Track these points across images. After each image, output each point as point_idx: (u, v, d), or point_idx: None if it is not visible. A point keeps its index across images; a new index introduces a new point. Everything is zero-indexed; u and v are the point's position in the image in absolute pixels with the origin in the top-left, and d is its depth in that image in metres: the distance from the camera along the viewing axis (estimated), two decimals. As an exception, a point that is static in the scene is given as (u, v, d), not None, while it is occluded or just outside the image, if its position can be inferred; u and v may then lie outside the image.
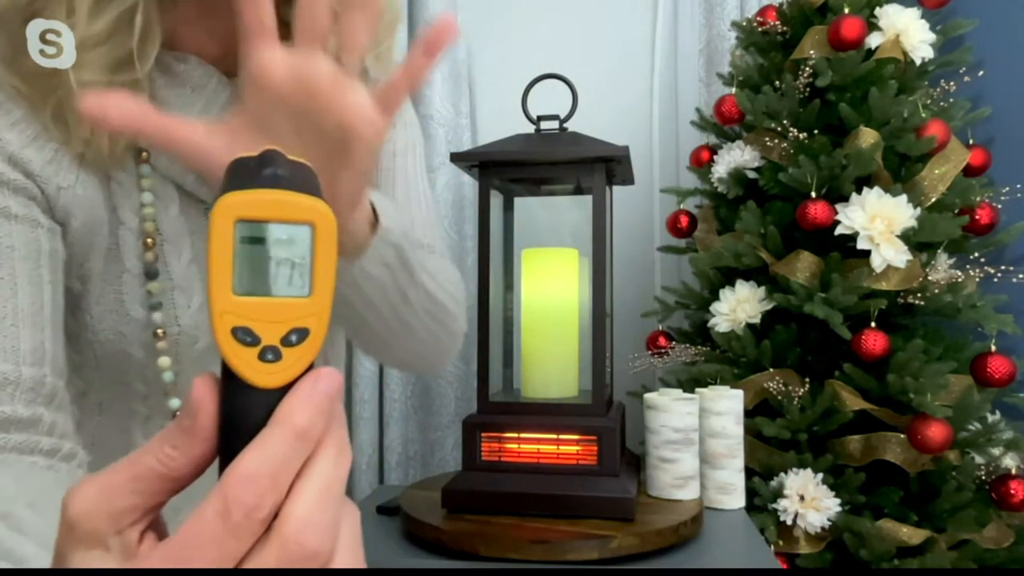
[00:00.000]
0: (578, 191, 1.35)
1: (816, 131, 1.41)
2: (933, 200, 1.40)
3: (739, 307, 1.40)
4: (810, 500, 1.27)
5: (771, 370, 1.36)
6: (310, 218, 0.31)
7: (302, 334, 0.31)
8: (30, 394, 0.51)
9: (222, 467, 0.30)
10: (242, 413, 0.30)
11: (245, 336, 0.30)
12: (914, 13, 1.45)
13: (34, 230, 0.54)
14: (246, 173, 0.30)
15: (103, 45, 0.52)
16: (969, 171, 1.47)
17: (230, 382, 0.31)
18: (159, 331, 0.58)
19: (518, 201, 1.42)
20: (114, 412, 0.61)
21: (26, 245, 0.53)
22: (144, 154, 0.58)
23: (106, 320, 0.58)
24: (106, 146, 0.55)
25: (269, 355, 0.31)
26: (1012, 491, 1.26)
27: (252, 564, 0.28)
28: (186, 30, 0.60)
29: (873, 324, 1.29)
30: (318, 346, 0.32)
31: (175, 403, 0.61)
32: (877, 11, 1.45)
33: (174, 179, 0.60)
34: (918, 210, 1.33)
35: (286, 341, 0.31)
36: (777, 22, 1.53)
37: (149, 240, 0.57)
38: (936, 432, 1.21)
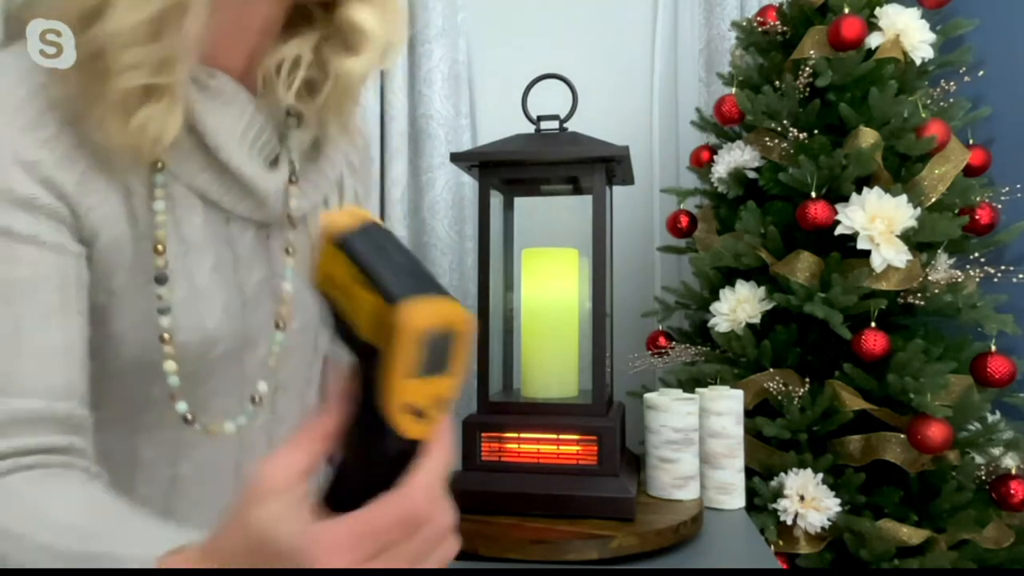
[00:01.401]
0: (578, 191, 1.35)
1: (816, 131, 1.41)
2: (933, 200, 1.40)
3: (739, 307, 1.40)
4: (810, 500, 1.27)
5: (771, 370, 1.36)
6: (464, 321, 0.39)
7: (447, 402, 0.41)
8: (63, 426, 0.54)
9: (355, 485, 0.41)
10: (388, 450, 0.40)
11: (412, 406, 0.39)
12: (914, 13, 1.45)
13: (64, 258, 0.55)
14: (425, 280, 0.39)
15: (146, 44, 0.53)
16: (969, 171, 1.46)
17: (383, 426, 0.39)
18: (165, 335, 0.59)
19: (518, 201, 1.42)
20: (121, 427, 0.62)
21: (57, 275, 0.55)
22: (159, 164, 0.59)
23: (132, 332, 0.59)
24: (147, 151, 0.56)
25: (422, 416, 0.39)
26: (1012, 491, 1.26)
27: (398, 551, 0.40)
28: (216, 45, 0.61)
29: (873, 324, 1.29)
30: (450, 408, 0.42)
31: (182, 407, 0.61)
32: (877, 11, 1.45)
33: (198, 190, 0.61)
34: (918, 210, 1.33)
35: (436, 407, 0.40)
36: (777, 22, 1.53)
37: (159, 247, 0.59)
38: (936, 432, 1.21)
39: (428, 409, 0.40)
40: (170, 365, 0.60)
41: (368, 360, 0.39)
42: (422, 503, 0.40)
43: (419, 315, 0.37)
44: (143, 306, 0.59)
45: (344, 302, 0.39)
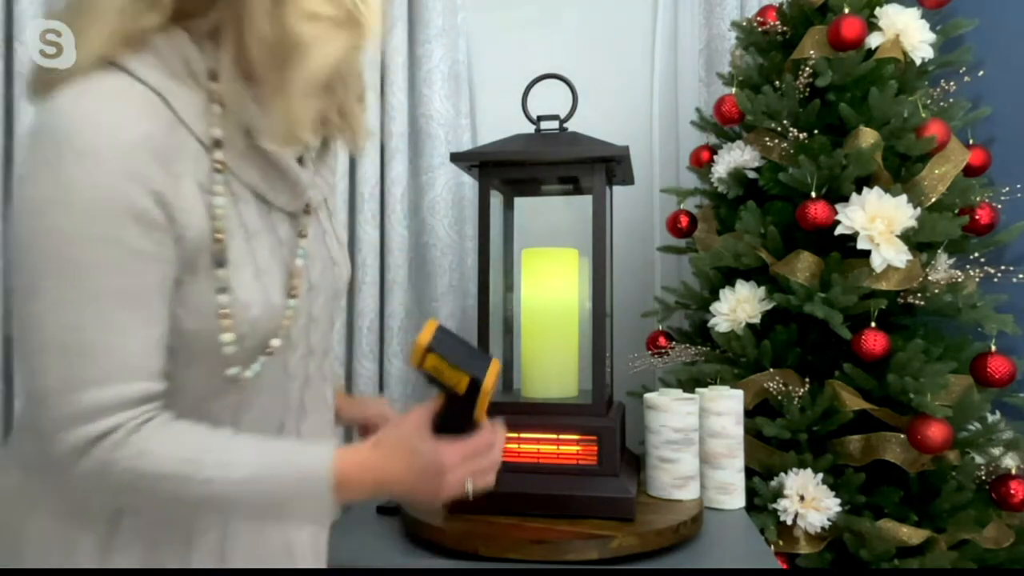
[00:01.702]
0: (578, 191, 1.36)
1: (816, 131, 1.41)
2: (933, 200, 1.40)
3: (739, 307, 1.40)
4: (810, 500, 1.27)
5: (771, 370, 1.36)
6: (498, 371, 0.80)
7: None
8: (160, 401, 0.67)
9: (452, 436, 0.75)
10: (475, 428, 0.78)
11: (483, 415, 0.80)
12: (914, 13, 1.45)
13: (163, 266, 0.65)
14: (480, 355, 0.80)
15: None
16: (969, 171, 1.46)
17: (473, 420, 0.78)
18: (223, 310, 0.69)
19: (518, 201, 1.42)
20: (183, 398, 0.71)
21: (159, 282, 0.65)
22: (220, 165, 0.69)
23: (201, 308, 0.68)
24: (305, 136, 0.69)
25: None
26: (1012, 491, 1.26)
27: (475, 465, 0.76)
28: None
29: (873, 324, 1.29)
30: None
31: (232, 371, 0.71)
32: (877, 11, 1.45)
33: (251, 185, 0.72)
34: (918, 210, 1.33)
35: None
36: (777, 22, 1.53)
37: (219, 235, 0.68)
38: (936, 432, 1.21)
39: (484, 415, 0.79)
40: (227, 336, 0.69)
41: (458, 397, 0.76)
42: (486, 444, 0.78)
43: (490, 382, 0.76)
44: (206, 286, 0.69)
45: (444, 376, 0.76)
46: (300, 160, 0.80)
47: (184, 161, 0.66)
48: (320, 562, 0.84)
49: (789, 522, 1.27)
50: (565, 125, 1.22)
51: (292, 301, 0.75)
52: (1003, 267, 1.37)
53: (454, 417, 0.75)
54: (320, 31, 0.66)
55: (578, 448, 1.13)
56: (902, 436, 1.27)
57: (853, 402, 1.29)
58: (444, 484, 0.73)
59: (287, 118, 0.68)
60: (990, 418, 1.36)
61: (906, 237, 1.31)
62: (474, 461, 0.76)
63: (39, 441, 0.65)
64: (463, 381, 0.74)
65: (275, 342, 0.73)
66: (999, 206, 1.48)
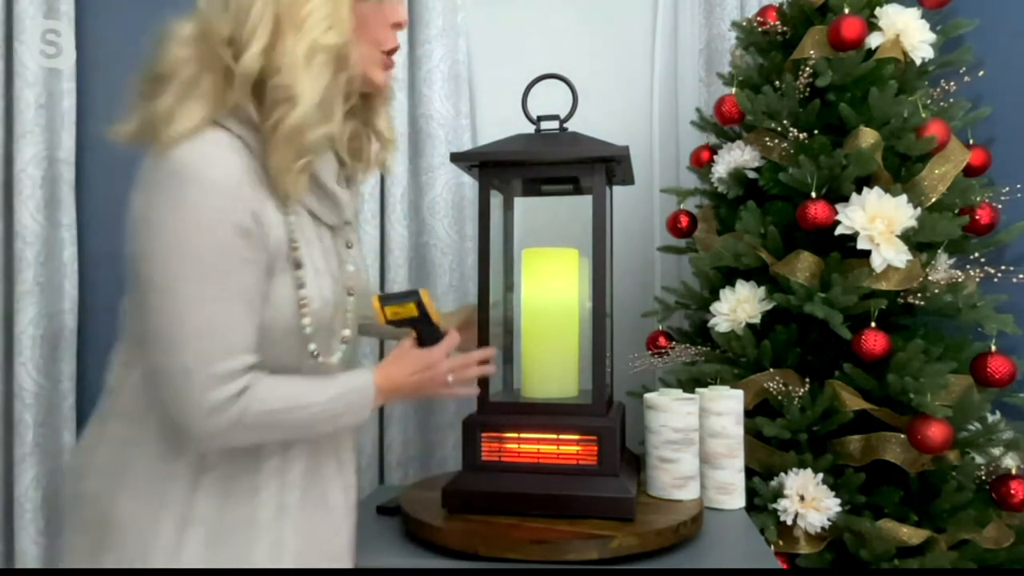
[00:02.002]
0: (578, 191, 1.35)
1: (816, 131, 1.41)
2: (933, 200, 1.40)
3: (739, 307, 1.40)
4: (810, 500, 1.27)
5: (771, 370, 1.36)
6: (425, 298, 1.03)
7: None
8: (260, 369, 0.90)
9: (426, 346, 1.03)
10: (439, 337, 1.04)
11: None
12: (914, 13, 1.45)
13: (259, 269, 0.88)
14: (413, 292, 1.04)
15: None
16: (969, 171, 1.47)
17: (438, 331, 1.04)
18: (302, 301, 0.92)
19: (518, 201, 1.42)
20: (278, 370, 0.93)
21: (257, 281, 0.88)
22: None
23: (283, 303, 0.90)
24: (293, 183, 0.90)
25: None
26: (1012, 491, 1.26)
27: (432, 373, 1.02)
28: None
29: (873, 324, 1.29)
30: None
31: (312, 347, 0.94)
32: (877, 11, 1.45)
33: (307, 206, 0.95)
34: (918, 210, 1.33)
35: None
36: (777, 22, 1.54)
37: (295, 244, 0.92)
38: (936, 432, 1.21)
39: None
40: (307, 320, 0.92)
41: (417, 318, 1.02)
42: (454, 340, 1.03)
43: (425, 296, 1.03)
44: (288, 282, 0.91)
45: (401, 314, 1.03)
46: (341, 180, 1.03)
47: (264, 188, 0.89)
48: (351, 498, 1.04)
49: (789, 522, 1.27)
50: (565, 125, 1.22)
51: (351, 298, 1.02)
52: (1003, 267, 1.38)
53: (424, 334, 1.03)
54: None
55: (578, 448, 1.12)
56: (902, 436, 1.27)
57: (853, 402, 1.29)
58: (437, 374, 1.02)
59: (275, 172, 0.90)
60: (990, 418, 1.36)
61: (906, 237, 1.31)
62: (451, 360, 1.03)
63: (178, 405, 0.85)
64: (412, 306, 1.03)
65: (347, 332, 1.01)
66: (999, 206, 1.48)
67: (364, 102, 1.02)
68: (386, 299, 1.03)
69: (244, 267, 0.86)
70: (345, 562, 1.00)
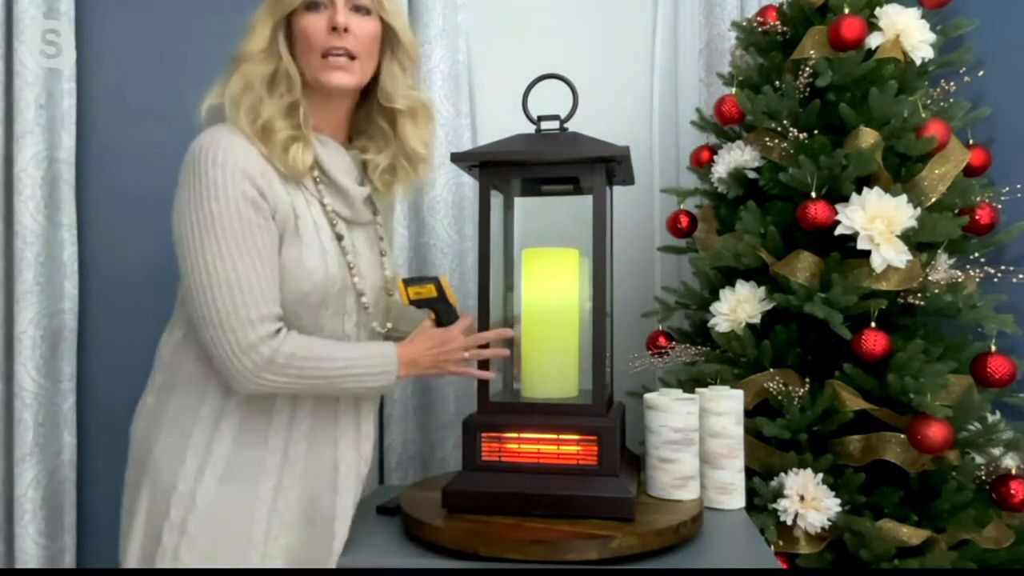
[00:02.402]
0: (578, 191, 1.35)
1: (816, 131, 1.41)
2: (933, 200, 1.40)
3: (739, 307, 1.40)
4: (810, 500, 1.27)
5: (771, 370, 1.36)
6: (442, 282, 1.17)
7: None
8: (281, 320, 1.07)
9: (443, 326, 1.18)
10: (455, 317, 1.17)
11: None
12: (914, 13, 1.45)
13: (272, 232, 1.06)
14: (432, 276, 1.19)
15: (285, 119, 1.09)
16: (969, 171, 1.46)
17: (454, 312, 1.17)
18: (352, 267, 1.14)
19: (518, 201, 1.42)
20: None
21: (271, 240, 1.05)
22: (317, 174, 1.14)
23: (288, 266, 1.07)
24: (300, 171, 1.09)
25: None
26: (1012, 491, 1.26)
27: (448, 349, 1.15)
28: (320, 124, 1.17)
29: (873, 324, 1.29)
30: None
31: (364, 299, 1.16)
32: (877, 11, 1.45)
33: (319, 198, 1.13)
34: (918, 210, 1.33)
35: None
36: (777, 22, 1.53)
37: (335, 222, 1.13)
38: (936, 432, 1.21)
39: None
40: (308, 287, 1.08)
41: (436, 299, 1.15)
42: (469, 321, 1.18)
43: (443, 280, 1.17)
44: (292, 251, 1.07)
45: (423, 294, 1.15)
46: (362, 182, 1.19)
47: (271, 174, 1.07)
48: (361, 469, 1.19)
49: (789, 522, 1.27)
50: (565, 125, 1.22)
51: (391, 298, 1.23)
52: (1003, 267, 1.38)
53: (442, 313, 1.15)
54: None
55: (578, 448, 1.13)
56: (902, 436, 1.27)
57: (853, 402, 1.29)
58: (452, 350, 1.14)
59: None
60: (990, 418, 1.36)
61: (906, 237, 1.31)
62: (467, 338, 1.15)
63: (217, 348, 1.02)
64: (432, 287, 1.14)
65: (375, 325, 1.18)
66: (999, 206, 1.48)
67: (389, 120, 1.19)
68: (409, 281, 1.15)
69: (257, 230, 1.03)
70: (335, 522, 1.12)
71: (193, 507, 1.05)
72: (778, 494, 1.29)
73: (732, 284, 1.43)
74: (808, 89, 1.43)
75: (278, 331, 1.04)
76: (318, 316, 1.11)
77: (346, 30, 1.09)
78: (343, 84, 1.12)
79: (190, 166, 1.04)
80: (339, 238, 1.13)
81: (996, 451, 1.33)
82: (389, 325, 1.21)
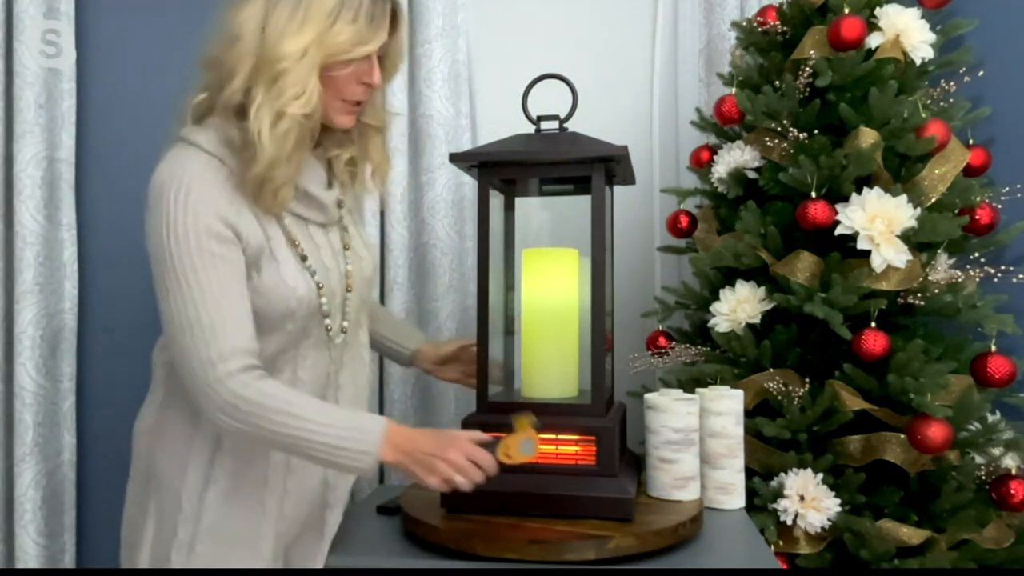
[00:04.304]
0: (578, 191, 1.35)
1: (816, 131, 1.41)
2: (933, 200, 1.40)
3: (739, 307, 1.40)
4: (810, 500, 1.27)
5: (771, 370, 1.36)
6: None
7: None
8: (257, 355, 1.00)
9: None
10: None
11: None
12: (914, 13, 1.44)
13: (239, 267, 1.00)
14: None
15: (287, 166, 1.01)
16: (969, 171, 1.46)
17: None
18: (320, 284, 1.07)
19: (518, 201, 1.42)
20: (274, 353, 1.06)
21: (238, 275, 1.00)
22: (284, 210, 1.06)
23: (267, 292, 1.01)
24: (270, 205, 1.02)
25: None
26: (1012, 491, 1.26)
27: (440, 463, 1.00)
28: None
29: (873, 324, 1.29)
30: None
31: (328, 322, 1.08)
32: (877, 11, 1.45)
33: (291, 209, 1.06)
34: (918, 210, 1.32)
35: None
36: (777, 22, 1.53)
37: (296, 241, 1.06)
38: (936, 432, 1.20)
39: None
40: (293, 305, 1.03)
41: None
42: (486, 459, 1.03)
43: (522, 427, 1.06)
44: (272, 274, 1.02)
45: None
46: (330, 184, 1.14)
47: (241, 199, 1.01)
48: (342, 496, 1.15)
49: (789, 522, 1.27)
50: (565, 125, 1.22)
51: (349, 294, 1.12)
52: (1003, 267, 1.37)
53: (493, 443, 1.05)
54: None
55: (577, 448, 1.12)
56: (902, 436, 1.27)
57: (853, 402, 1.29)
58: (451, 461, 1.00)
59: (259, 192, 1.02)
60: (990, 418, 1.35)
61: (906, 237, 1.31)
62: (462, 457, 1.01)
63: (189, 384, 0.97)
64: (526, 422, 1.06)
65: (345, 323, 1.11)
66: (999, 206, 1.48)
67: (360, 132, 1.14)
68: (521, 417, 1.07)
69: (222, 264, 0.98)
70: (323, 540, 1.12)
71: (200, 527, 1.03)
72: (778, 494, 1.29)
73: (732, 284, 1.43)
74: (808, 89, 1.43)
75: (249, 367, 0.97)
76: (308, 327, 1.07)
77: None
78: (350, 126, 1.11)
79: (155, 201, 0.98)
80: (303, 258, 1.06)
81: (996, 451, 1.33)
82: (346, 324, 1.13)
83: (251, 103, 0.98)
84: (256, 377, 0.97)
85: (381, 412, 1.76)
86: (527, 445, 1.03)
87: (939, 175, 1.41)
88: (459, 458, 1.00)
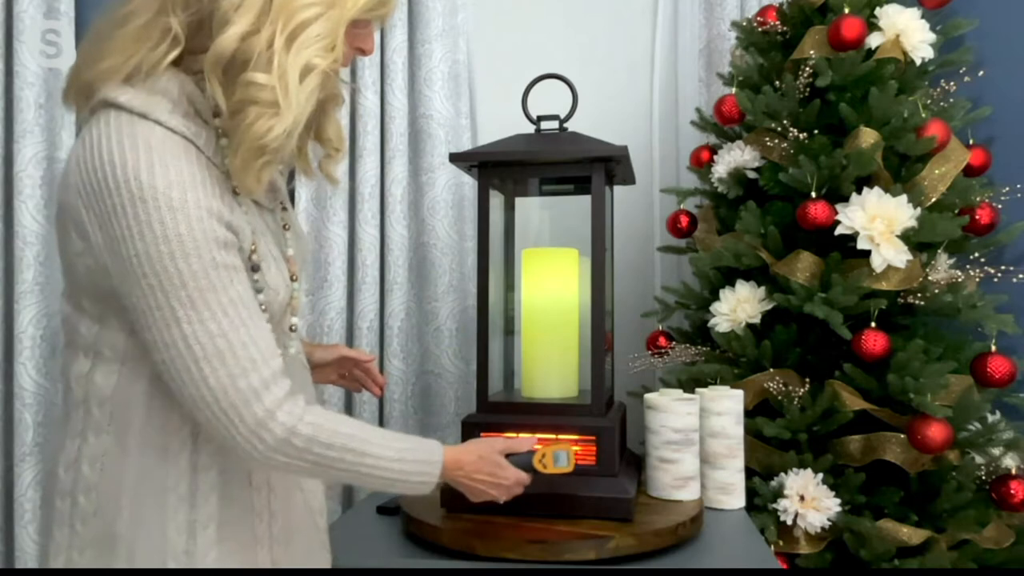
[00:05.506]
0: (578, 191, 1.35)
1: (816, 131, 1.41)
2: (933, 200, 1.40)
3: (739, 307, 1.40)
4: (810, 500, 1.27)
5: (771, 370, 1.36)
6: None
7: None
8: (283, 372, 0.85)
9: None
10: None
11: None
12: (914, 13, 1.44)
13: (243, 273, 0.84)
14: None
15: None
16: (969, 171, 1.46)
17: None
18: (293, 276, 0.93)
19: (518, 201, 1.42)
20: None
21: (246, 282, 0.84)
22: (237, 188, 0.86)
23: (271, 291, 0.88)
24: (251, 185, 0.84)
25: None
26: (1012, 491, 1.26)
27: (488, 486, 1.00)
28: None
29: (873, 324, 1.29)
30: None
31: (294, 320, 0.95)
32: (877, 11, 1.45)
33: (256, 199, 0.91)
34: (918, 210, 1.32)
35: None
36: (777, 22, 1.53)
37: (253, 245, 0.88)
38: (936, 432, 1.20)
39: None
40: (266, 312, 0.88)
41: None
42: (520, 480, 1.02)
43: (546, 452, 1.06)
44: (270, 271, 0.89)
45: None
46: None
47: (224, 188, 0.84)
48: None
49: (789, 522, 1.27)
50: (565, 125, 1.22)
51: (295, 284, 0.95)
52: (1003, 267, 1.37)
53: (522, 459, 1.05)
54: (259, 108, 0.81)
55: (577, 448, 1.12)
56: (902, 436, 1.27)
57: (853, 402, 1.29)
58: (512, 484, 1.00)
59: (239, 173, 0.84)
60: (990, 418, 1.35)
61: (906, 237, 1.31)
62: (511, 483, 1.01)
63: (223, 429, 0.80)
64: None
65: (295, 320, 0.95)
66: (999, 206, 1.48)
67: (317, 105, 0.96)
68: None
69: (236, 274, 0.82)
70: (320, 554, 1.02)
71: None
72: (778, 494, 1.29)
73: (732, 284, 1.43)
74: (808, 89, 1.43)
75: (292, 393, 0.84)
76: (277, 332, 0.91)
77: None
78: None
79: (124, 203, 0.77)
80: (275, 236, 0.95)
81: (996, 451, 1.33)
82: (296, 320, 0.98)
83: (259, 53, 0.80)
84: (301, 404, 0.84)
85: (381, 412, 1.76)
86: (563, 456, 1.04)
87: (939, 175, 1.41)
88: (507, 486, 1.00)
